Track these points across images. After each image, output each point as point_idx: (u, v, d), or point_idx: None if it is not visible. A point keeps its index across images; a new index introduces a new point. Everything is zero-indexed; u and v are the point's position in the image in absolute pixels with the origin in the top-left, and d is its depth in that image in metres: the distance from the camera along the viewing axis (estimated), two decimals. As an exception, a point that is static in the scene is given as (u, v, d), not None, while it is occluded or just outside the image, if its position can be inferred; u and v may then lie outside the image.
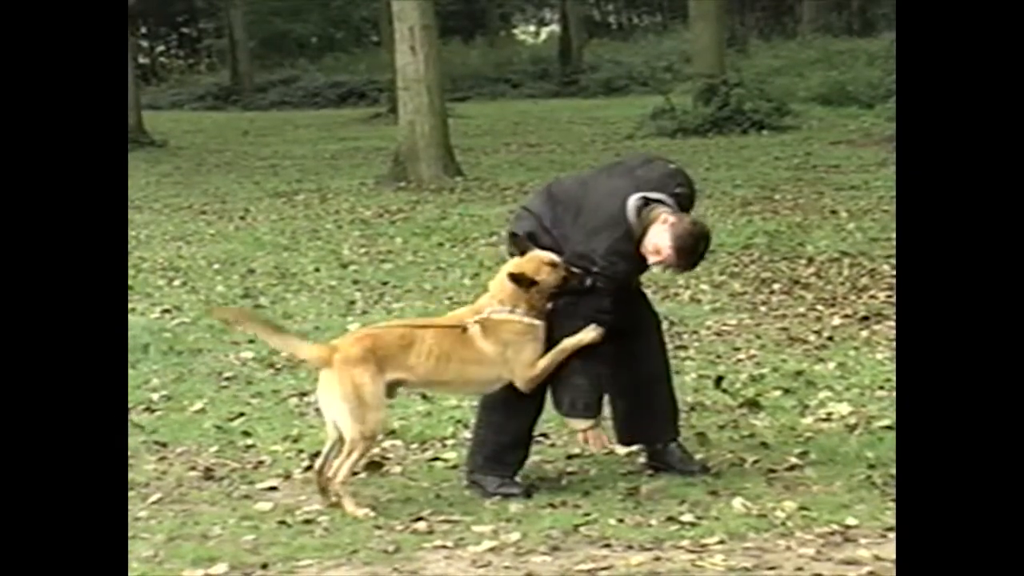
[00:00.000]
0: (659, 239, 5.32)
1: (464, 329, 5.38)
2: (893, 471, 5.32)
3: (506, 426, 5.51)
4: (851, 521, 4.99)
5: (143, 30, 44.87)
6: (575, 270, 5.35)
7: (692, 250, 5.37)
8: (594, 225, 5.38)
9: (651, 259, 5.38)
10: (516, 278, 5.36)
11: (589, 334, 5.37)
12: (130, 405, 6.95)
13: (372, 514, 5.21)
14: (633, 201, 5.36)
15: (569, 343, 5.37)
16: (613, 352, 5.71)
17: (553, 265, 5.37)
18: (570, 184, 5.67)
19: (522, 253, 5.47)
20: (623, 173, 5.58)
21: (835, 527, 4.94)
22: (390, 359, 5.30)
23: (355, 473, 5.80)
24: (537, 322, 5.39)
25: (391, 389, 5.36)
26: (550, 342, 5.39)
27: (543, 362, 5.37)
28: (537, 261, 5.40)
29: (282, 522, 5.23)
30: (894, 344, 7.49)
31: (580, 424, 5.50)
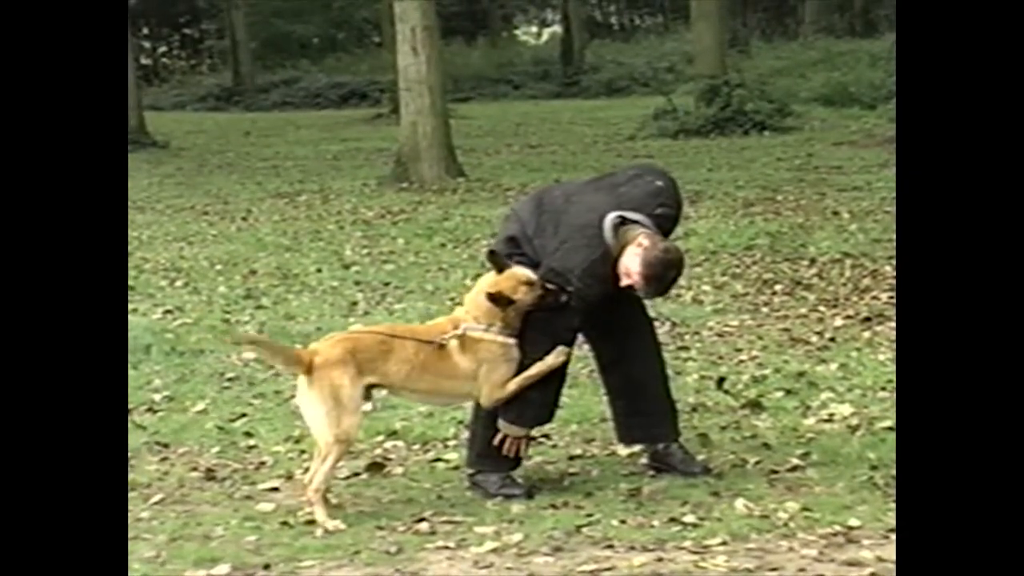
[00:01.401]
0: (630, 262, 5.29)
1: (441, 346, 5.37)
2: (895, 472, 5.32)
3: (496, 421, 5.49)
4: (853, 522, 4.99)
5: (145, 31, 44.92)
6: (551, 287, 5.32)
7: (660, 277, 5.32)
8: (573, 243, 5.35)
9: (622, 281, 5.34)
10: (493, 297, 5.34)
11: (558, 358, 5.37)
12: (132, 406, 6.96)
13: (342, 527, 5.15)
14: (610, 220, 5.33)
15: (538, 369, 5.35)
16: (607, 352, 5.73)
17: (530, 284, 5.35)
18: (558, 194, 5.63)
19: (499, 270, 5.44)
20: (608, 188, 5.54)
21: (837, 528, 4.94)
22: (369, 363, 5.29)
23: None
24: (512, 341, 5.38)
25: (366, 393, 5.35)
26: (522, 356, 5.38)
27: (511, 385, 5.36)
28: (514, 280, 5.37)
29: (284, 523, 5.24)
30: (896, 345, 7.49)
31: (516, 431, 5.45)
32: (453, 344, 5.37)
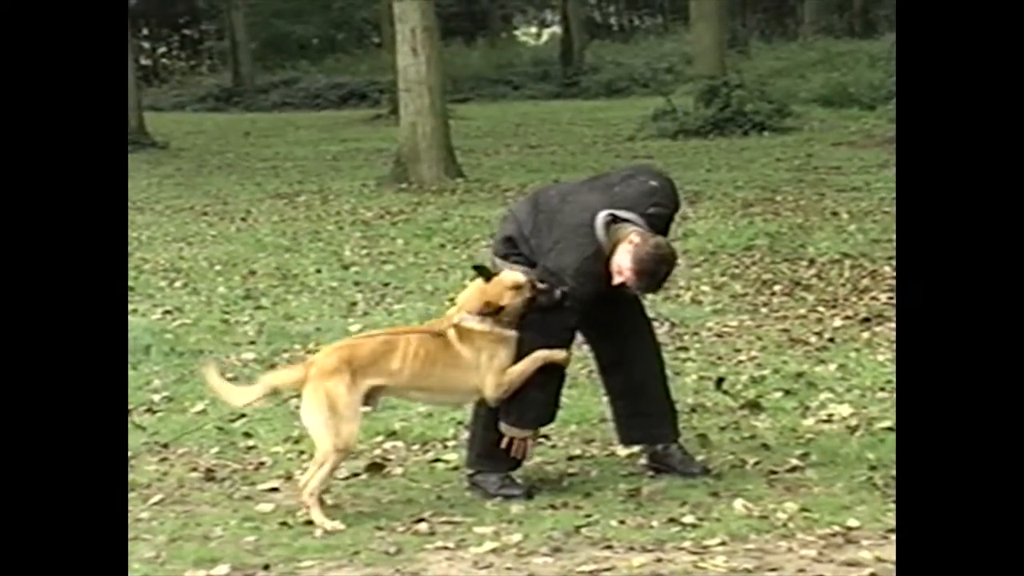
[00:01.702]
0: (622, 259, 5.30)
1: (441, 334, 5.38)
2: (894, 472, 5.32)
3: (496, 422, 5.50)
4: (852, 523, 4.99)
5: (145, 31, 44.91)
6: (543, 286, 5.33)
7: (652, 273, 5.32)
8: (567, 243, 5.37)
9: (615, 279, 5.35)
10: (485, 310, 5.34)
11: (561, 354, 5.38)
12: (132, 406, 6.95)
13: (341, 527, 5.16)
14: (601, 218, 5.34)
15: (542, 354, 5.35)
16: (607, 353, 5.73)
17: (517, 288, 5.36)
18: (554, 194, 5.65)
19: (487, 279, 5.45)
20: (602, 188, 5.56)
21: (837, 528, 4.94)
22: (369, 367, 5.28)
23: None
24: (509, 332, 5.39)
25: (370, 397, 5.35)
26: (520, 357, 5.37)
27: (516, 368, 5.36)
28: (501, 287, 5.38)
29: (283, 523, 5.24)
30: (895, 345, 7.49)
31: (518, 433, 5.46)
32: (452, 334, 5.37)
